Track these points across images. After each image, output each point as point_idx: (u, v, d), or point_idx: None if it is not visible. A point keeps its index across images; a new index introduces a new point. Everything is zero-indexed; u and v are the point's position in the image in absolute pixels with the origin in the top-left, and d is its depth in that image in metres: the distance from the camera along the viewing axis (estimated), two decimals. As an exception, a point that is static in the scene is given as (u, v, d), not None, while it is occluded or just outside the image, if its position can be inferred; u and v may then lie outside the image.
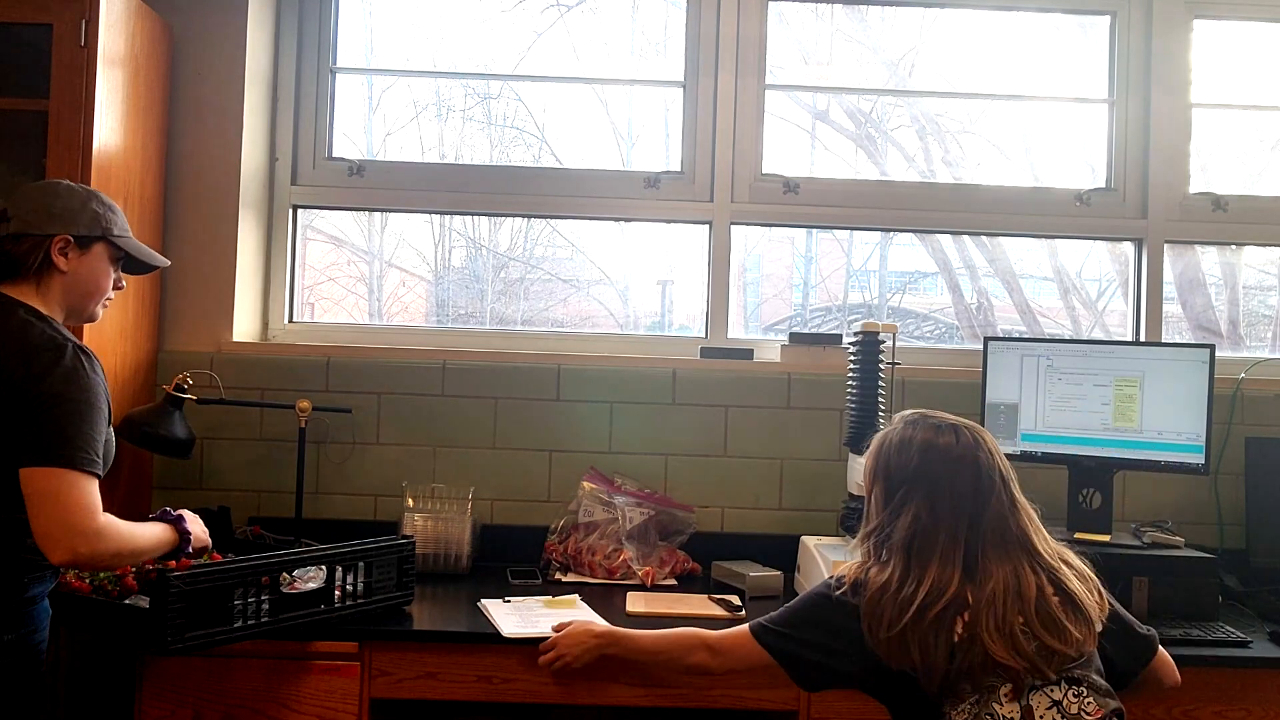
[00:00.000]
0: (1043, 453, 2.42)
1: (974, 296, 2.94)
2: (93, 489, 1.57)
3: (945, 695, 1.47)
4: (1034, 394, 2.43)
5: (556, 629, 1.90)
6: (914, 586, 1.49)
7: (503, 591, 2.26)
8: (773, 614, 1.66)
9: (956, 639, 1.47)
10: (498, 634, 1.94)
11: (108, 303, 1.82)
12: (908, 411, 1.68)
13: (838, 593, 1.56)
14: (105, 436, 1.65)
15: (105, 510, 1.60)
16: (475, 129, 2.89)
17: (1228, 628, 2.08)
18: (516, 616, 2.03)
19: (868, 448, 1.70)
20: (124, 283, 1.85)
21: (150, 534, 1.71)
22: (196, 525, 1.82)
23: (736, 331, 2.83)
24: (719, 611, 2.11)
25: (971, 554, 1.52)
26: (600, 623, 1.91)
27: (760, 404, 2.62)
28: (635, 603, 2.16)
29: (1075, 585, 1.53)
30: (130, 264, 1.85)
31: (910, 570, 1.52)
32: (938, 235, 2.91)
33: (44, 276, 1.70)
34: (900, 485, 1.59)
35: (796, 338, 2.70)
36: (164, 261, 1.91)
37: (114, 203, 1.81)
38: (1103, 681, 1.51)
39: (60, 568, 1.76)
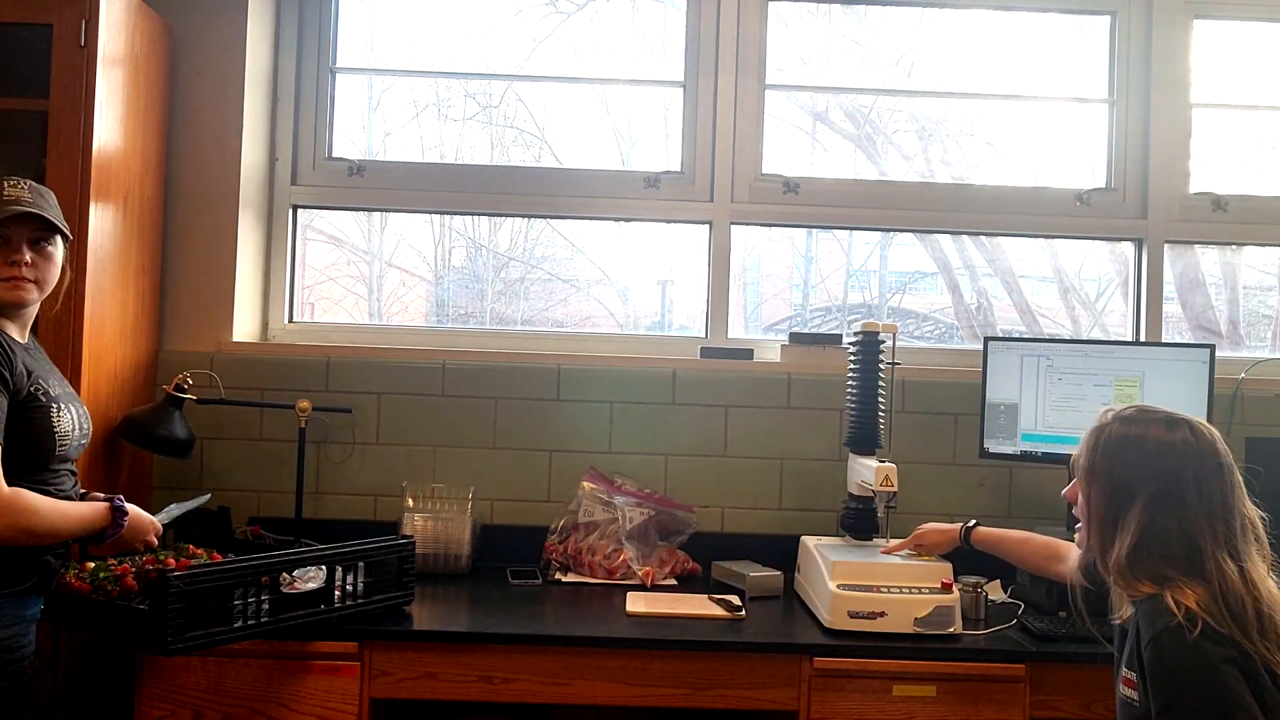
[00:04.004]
0: (1043, 453, 2.42)
1: (974, 296, 2.94)
2: None
3: None
4: (1034, 394, 2.43)
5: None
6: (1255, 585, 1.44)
7: (503, 592, 2.26)
8: None
9: None
10: (499, 634, 1.94)
11: (18, 280, 1.71)
12: (1130, 409, 1.57)
13: (1220, 657, 1.38)
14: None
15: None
16: (475, 129, 2.89)
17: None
18: None
19: (1122, 455, 1.53)
20: (17, 258, 1.71)
21: (74, 512, 1.72)
22: (137, 512, 1.84)
23: (736, 331, 2.83)
24: (719, 611, 2.11)
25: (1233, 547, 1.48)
26: None
27: (760, 404, 2.62)
28: (635, 603, 2.16)
29: None
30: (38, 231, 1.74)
31: (1241, 568, 1.45)
32: (937, 235, 2.90)
33: None
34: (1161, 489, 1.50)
35: (796, 338, 2.70)
36: (11, 211, 1.70)
37: None
38: None
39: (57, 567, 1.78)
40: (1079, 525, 1.63)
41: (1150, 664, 1.43)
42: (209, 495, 2.18)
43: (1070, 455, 2.34)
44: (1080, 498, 1.60)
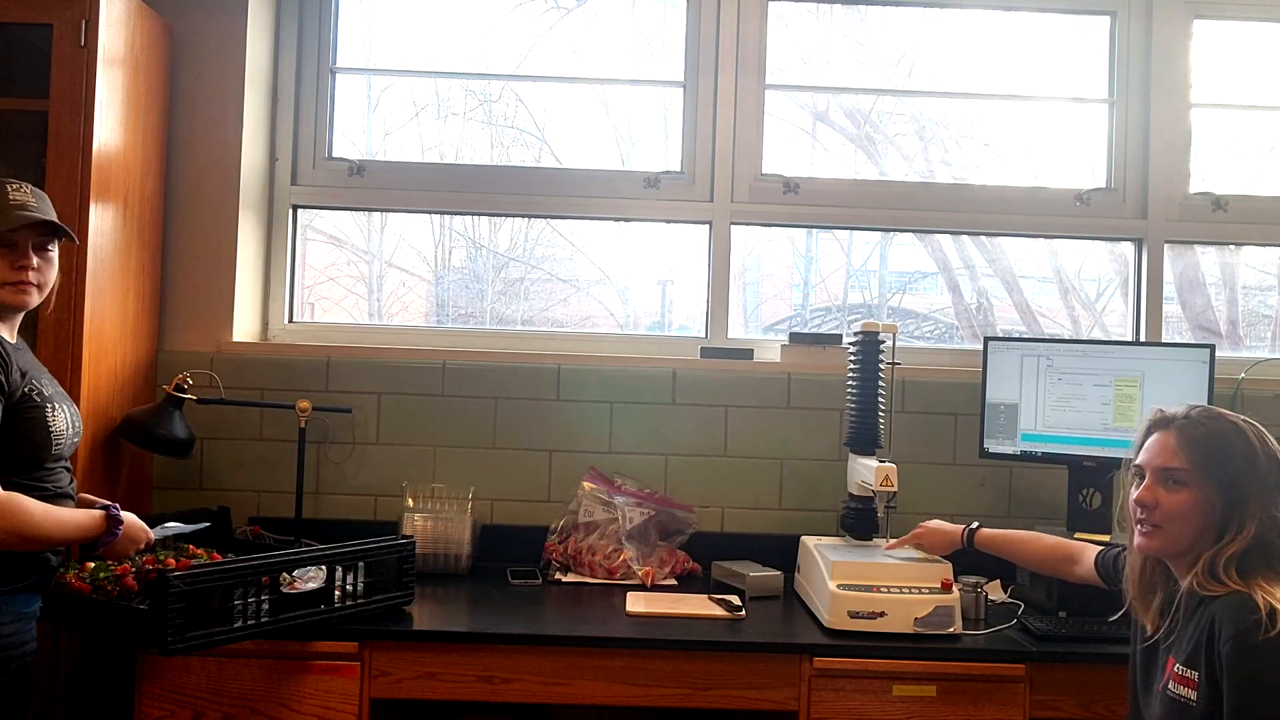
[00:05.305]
0: (1043, 453, 2.42)
1: (974, 296, 2.94)
2: None
3: None
4: (1034, 394, 2.43)
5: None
6: None
7: (503, 592, 2.26)
8: None
9: None
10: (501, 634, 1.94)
11: (24, 284, 1.73)
12: (1198, 410, 1.59)
13: None
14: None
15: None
16: (475, 129, 2.89)
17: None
18: None
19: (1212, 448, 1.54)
20: (25, 263, 1.72)
21: (70, 519, 1.71)
22: (131, 521, 1.82)
23: (736, 331, 2.83)
24: (719, 611, 2.11)
25: None
26: None
27: (760, 404, 2.62)
28: (635, 603, 2.16)
29: None
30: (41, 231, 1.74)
31: None
32: (937, 235, 2.90)
33: None
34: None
35: (796, 338, 2.70)
36: (26, 218, 1.71)
37: None
38: None
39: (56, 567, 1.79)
40: (1147, 529, 1.58)
41: (1230, 659, 1.41)
42: (208, 524, 2.20)
43: (1071, 455, 2.37)
44: (1176, 498, 1.56)
